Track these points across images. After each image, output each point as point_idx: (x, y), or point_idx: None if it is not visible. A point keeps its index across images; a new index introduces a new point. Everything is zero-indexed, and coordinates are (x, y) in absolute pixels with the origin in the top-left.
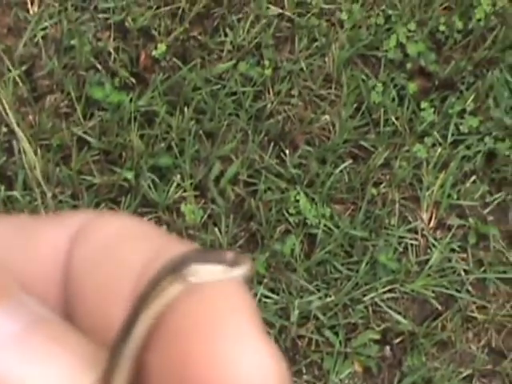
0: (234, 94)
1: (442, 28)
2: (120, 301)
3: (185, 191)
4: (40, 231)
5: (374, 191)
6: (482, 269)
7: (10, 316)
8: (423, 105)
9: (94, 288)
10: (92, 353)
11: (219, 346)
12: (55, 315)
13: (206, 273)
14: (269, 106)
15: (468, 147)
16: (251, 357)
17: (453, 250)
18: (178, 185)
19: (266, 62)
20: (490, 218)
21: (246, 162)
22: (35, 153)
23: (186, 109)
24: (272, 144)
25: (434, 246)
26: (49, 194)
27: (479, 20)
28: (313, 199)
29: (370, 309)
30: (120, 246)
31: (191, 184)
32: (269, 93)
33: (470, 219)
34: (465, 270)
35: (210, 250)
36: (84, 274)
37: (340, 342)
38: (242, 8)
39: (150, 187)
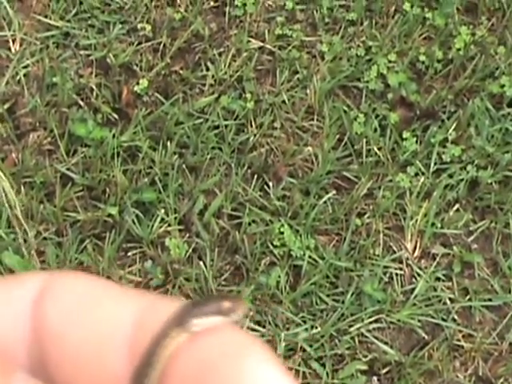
0: (217, 127)
1: (422, 58)
2: (116, 355)
3: (169, 225)
4: (4, 293)
5: (358, 222)
6: (468, 297)
7: None
8: (405, 135)
9: (83, 346)
10: None
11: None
12: None
13: (206, 324)
14: (251, 138)
15: (451, 176)
16: None
17: (438, 279)
18: (162, 219)
19: (248, 95)
20: (475, 245)
21: (230, 195)
22: (18, 191)
23: (168, 143)
24: (255, 177)
25: (418, 275)
26: (31, 233)
27: (459, 49)
28: (297, 231)
29: (357, 339)
30: (102, 304)
31: (175, 218)
32: (251, 126)
33: (455, 247)
34: (450, 299)
35: (206, 302)
36: (64, 333)
37: (327, 374)
38: (222, 42)
39: (134, 222)
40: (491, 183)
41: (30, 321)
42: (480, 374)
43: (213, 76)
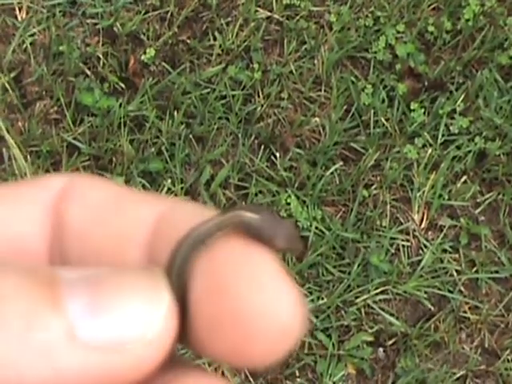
0: (224, 97)
1: (430, 29)
2: (137, 248)
3: (176, 195)
4: (25, 195)
5: (365, 193)
6: (474, 269)
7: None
8: (413, 106)
9: (104, 242)
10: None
11: (259, 285)
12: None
13: None
14: (258, 109)
15: (458, 147)
16: (288, 294)
17: (445, 251)
18: (169, 189)
19: (256, 66)
20: (482, 217)
21: (237, 165)
22: (25, 159)
23: (175, 113)
24: (262, 147)
25: (425, 246)
26: None
27: (468, 20)
28: (304, 202)
29: (363, 311)
30: (123, 205)
31: (182, 188)
32: (258, 96)
33: (462, 219)
34: (457, 271)
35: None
36: (86, 230)
37: (333, 345)
38: (230, 12)
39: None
40: (499, 155)
41: (51, 219)
42: (486, 345)
43: (220, 46)
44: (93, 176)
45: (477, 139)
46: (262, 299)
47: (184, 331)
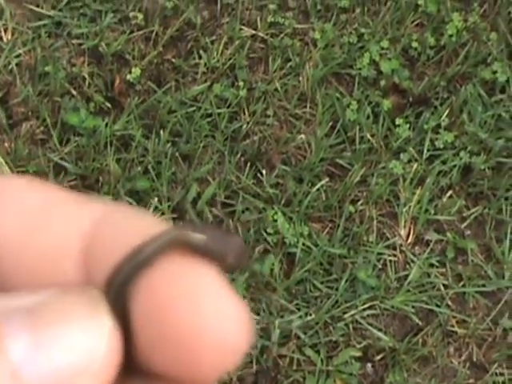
0: (210, 115)
1: (414, 45)
2: (72, 261)
3: (163, 214)
4: None
5: (351, 209)
6: (461, 283)
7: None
8: (398, 121)
9: (39, 254)
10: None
11: (201, 298)
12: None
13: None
14: (244, 126)
15: (444, 162)
16: (229, 309)
17: (432, 265)
18: (156, 208)
19: (241, 83)
20: (468, 232)
21: (223, 183)
22: None
23: (161, 132)
24: (248, 164)
25: (412, 261)
26: None
27: (451, 36)
28: (291, 218)
29: (351, 326)
30: (57, 212)
31: (169, 207)
32: (244, 113)
33: (448, 234)
34: (444, 285)
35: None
36: (22, 241)
37: (321, 361)
38: (215, 30)
39: None
40: (484, 169)
41: None
42: (474, 359)
43: (205, 64)
44: (25, 178)
45: (462, 154)
46: (203, 316)
47: (128, 351)
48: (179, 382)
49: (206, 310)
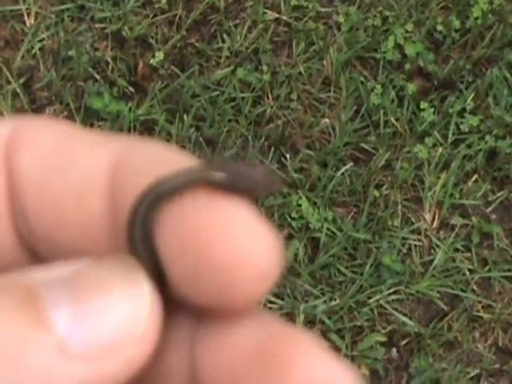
0: (233, 99)
1: (439, 28)
2: (97, 197)
3: None
4: None
5: (375, 193)
6: (487, 268)
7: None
8: (423, 105)
9: (62, 194)
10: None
11: (233, 228)
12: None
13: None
14: (268, 110)
15: (469, 146)
16: (263, 240)
17: (457, 250)
18: None
19: (264, 67)
20: (493, 216)
21: None
22: None
23: (185, 116)
24: (272, 149)
25: (437, 246)
26: None
27: (477, 18)
28: (315, 203)
29: (376, 311)
30: (77, 149)
31: None
32: (268, 98)
33: (473, 218)
34: (469, 270)
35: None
36: (44, 181)
37: (346, 346)
38: (238, 14)
39: None
40: (510, 153)
41: (4, 174)
42: (500, 344)
43: (229, 48)
44: (40, 118)
45: (487, 138)
46: (236, 245)
47: (161, 288)
48: (216, 312)
49: (241, 241)
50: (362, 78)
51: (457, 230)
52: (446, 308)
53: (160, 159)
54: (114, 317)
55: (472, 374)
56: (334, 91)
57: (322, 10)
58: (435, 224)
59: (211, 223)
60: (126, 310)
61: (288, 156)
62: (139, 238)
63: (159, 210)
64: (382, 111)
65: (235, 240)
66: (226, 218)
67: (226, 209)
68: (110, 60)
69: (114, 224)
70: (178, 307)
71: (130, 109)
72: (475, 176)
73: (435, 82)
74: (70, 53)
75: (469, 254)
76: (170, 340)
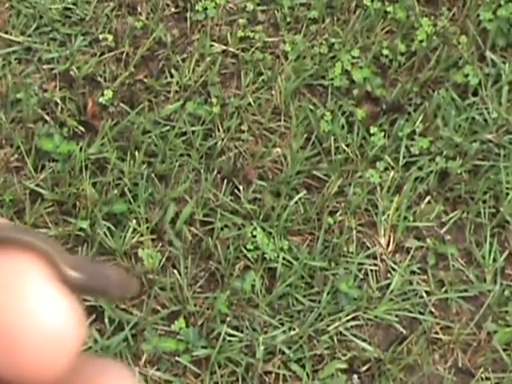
0: (184, 134)
1: (385, 52)
2: None
3: (141, 236)
4: None
5: (330, 220)
6: (444, 289)
7: None
8: (373, 130)
9: None
10: None
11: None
12: None
13: None
14: (219, 143)
15: (420, 168)
16: (53, 307)
17: (413, 273)
18: (134, 230)
19: (214, 100)
20: (448, 237)
21: (201, 201)
22: None
23: (136, 153)
24: (225, 181)
25: (393, 269)
26: None
27: (421, 41)
28: (270, 233)
29: (335, 338)
30: None
31: (147, 228)
32: (218, 130)
33: (428, 240)
34: (426, 292)
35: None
36: None
37: (307, 375)
38: (185, 48)
39: (106, 235)
40: (461, 173)
41: None
42: (460, 365)
43: (177, 82)
44: None
45: (438, 159)
46: (26, 308)
47: None
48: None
49: (31, 301)
50: (311, 106)
51: (412, 252)
52: (404, 331)
53: None
54: None
55: None
56: (284, 120)
57: (269, 39)
58: (390, 248)
59: (3, 286)
60: None
61: (241, 187)
62: None
63: None
64: (332, 138)
65: (24, 303)
66: (19, 282)
67: (20, 273)
68: (59, 100)
69: None
70: None
71: (81, 148)
72: (428, 198)
73: (384, 106)
74: (18, 95)
75: (425, 276)
76: None
